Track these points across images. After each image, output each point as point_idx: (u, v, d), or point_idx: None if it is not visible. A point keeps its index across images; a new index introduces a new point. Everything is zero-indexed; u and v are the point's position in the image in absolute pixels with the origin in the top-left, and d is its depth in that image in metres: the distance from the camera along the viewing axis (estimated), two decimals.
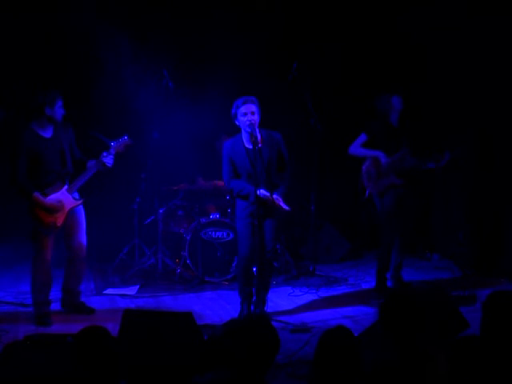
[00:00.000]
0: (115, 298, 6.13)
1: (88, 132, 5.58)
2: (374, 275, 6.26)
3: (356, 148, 6.08)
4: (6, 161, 5.32)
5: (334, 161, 7.76)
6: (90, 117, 7.03)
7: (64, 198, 5.28)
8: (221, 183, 6.81)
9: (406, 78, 7.44)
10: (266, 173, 5.11)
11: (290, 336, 4.96)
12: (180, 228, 7.04)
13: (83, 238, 5.49)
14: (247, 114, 5.09)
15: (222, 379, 2.74)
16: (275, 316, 5.38)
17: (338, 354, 2.69)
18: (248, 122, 5.09)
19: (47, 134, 5.26)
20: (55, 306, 5.55)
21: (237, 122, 5.19)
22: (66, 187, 5.29)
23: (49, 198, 5.22)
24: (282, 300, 6.02)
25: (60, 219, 5.27)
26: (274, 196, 5.11)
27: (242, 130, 5.21)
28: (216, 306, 5.88)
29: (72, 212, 5.36)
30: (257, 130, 5.12)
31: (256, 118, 5.12)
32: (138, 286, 6.47)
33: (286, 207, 5.17)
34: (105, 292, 6.31)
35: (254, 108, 5.11)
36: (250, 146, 5.15)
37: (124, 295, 6.21)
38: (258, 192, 5.09)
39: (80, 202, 5.39)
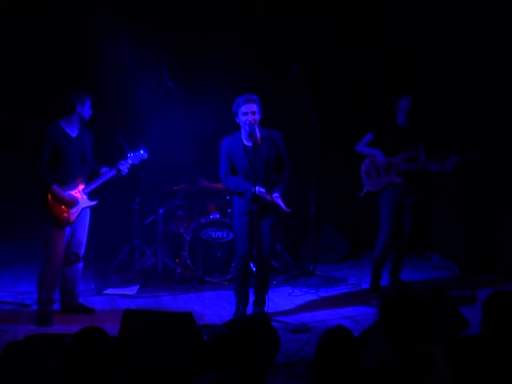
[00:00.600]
0: (115, 298, 6.13)
1: (115, 134, 5.69)
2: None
3: (361, 146, 6.23)
4: (28, 151, 5.40)
5: (333, 161, 7.76)
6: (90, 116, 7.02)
7: (80, 196, 5.38)
8: (221, 186, 6.79)
9: (409, 78, 7.44)
10: (264, 171, 5.12)
11: (290, 336, 4.96)
12: (180, 228, 7.04)
13: (83, 238, 5.52)
14: (248, 113, 5.10)
15: (222, 379, 2.74)
16: (275, 316, 5.38)
17: (337, 353, 2.69)
18: (248, 122, 5.10)
19: (73, 133, 5.35)
20: (55, 306, 5.55)
21: (237, 120, 5.21)
22: (82, 186, 5.40)
23: (66, 192, 5.31)
24: (281, 300, 6.02)
25: (73, 215, 5.34)
26: (274, 195, 5.11)
27: (242, 128, 5.22)
28: (216, 306, 5.88)
29: (84, 212, 5.45)
30: (256, 130, 5.12)
31: (257, 117, 5.14)
32: (137, 286, 6.47)
33: (284, 207, 5.17)
34: (105, 292, 6.31)
35: (255, 107, 5.12)
36: (249, 144, 5.17)
37: (124, 295, 6.20)
38: (255, 190, 5.10)
39: (94, 202, 5.48)
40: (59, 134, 5.25)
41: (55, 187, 5.22)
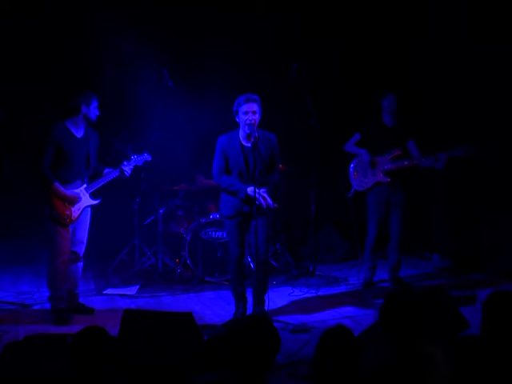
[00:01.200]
0: (115, 298, 6.13)
1: (111, 141, 5.72)
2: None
3: (349, 146, 6.40)
4: (30, 151, 5.50)
5: (333, 160, 7.75)
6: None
7: (82, 195, 5.39)
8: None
9: (406, 77, 7.44)
10: (259, 171, 5.12)
11: (290, 336, 4.96)
12: (180, 228, 7.04)
13: (84, 236, 5.52)
14: (248, 112, 5.11)
15: (222, 379, 2.74)
16: (275, 316, 5.38)
17: (337, 353, 2.69)
18: (248, 121, 5.11)
19: (79, 133, 5.35)
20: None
21: (237, 119, 5.21)
22: (85, 186, 5.42)
23: (68, 190, 5.32)
24: (282, 300, 6.02)
25: (75, 213, 5.35)
26: (261, 190, 5.10)
27: (241, 127, 5.22)
28: (216, 306, 5.88)
29: (86, 211, 5.46)
30: (253, 132, 5.13)
31: (257, 117, 5.15)
32: (137, 286, 6.47)
33: (271, 202, 5.15)
34: (105, 292, 6.31)
35: (255, 107, 5.12)
36: (247, 144, 5.19)
37: (124, 295, 6.21)
38: (247, 190, 5.11)
39: (97, 201, 5.48)
40: (64, 134, 5.26)
41: (57, 184, 5.24)
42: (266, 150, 5.21)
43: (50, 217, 5.27)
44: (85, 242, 5.54)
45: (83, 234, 5.51)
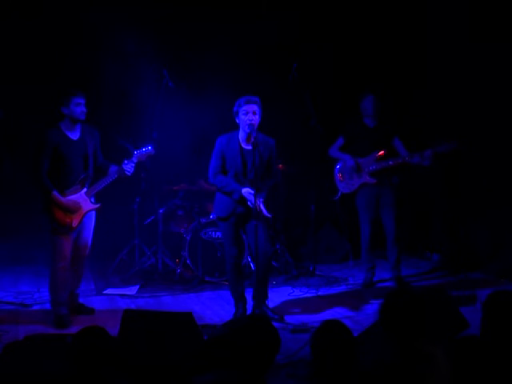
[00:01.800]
0: (115, 298, 6.13)
1: (113, 137, 5.65)
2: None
3: (333, 150, 6.44)
4: (27, 157, 5.35)
5: (333, 160, 7.75)
6: (90, 116, 7.02)
7: (82, 200, 5.30)
8: None
9: (405, 79, 7.45)
10: (255, 174, 5.12)
11: (290, 336, 4.97)
12: (180, 228, 7.04)
13: (89, 240, 5.49)
14: (249, 113, 5.12)
15: (222, 379, 2.74)
16: (275, 316, 5.37)
17: (334, 347, 2.68)
18: (249, 122, 5.12)
19: (74, 135, 5.26)
20: None
21: (237, 120, 5.21)
22: (84, 190, 5.30)
23: (67, 198, 5.23)
24: (282, 300, 6.02)
25: (76, 220, 5.27)
26: (259, 200, 5.11)
27: (240, 129, 5.23)
28: (216, 306, 5.88)
29: (89, 215, 5.39)
30: (253, 132, 5.13)
31: (257, 118, 5.15)
32: (137, 286, 6.47)
33: (266, 213, 5.17)
34: (105, 292, 6.31)
35: (255, 108, 5.13)
36: (246, 146, 5.21)
37: (124, 295, 6.20)
38: (242, 191, 5.11)
39: (97, 205, 5.41)
40: (59, 138, 5.17)
41: (55, 194, 5.15)
42: (264, 154, 5.21)
43: (51, 225, 5.21)
44: (89, 244, 5.50)
45: (88, 236, 5.46)
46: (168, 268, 6.87)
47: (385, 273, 6.58)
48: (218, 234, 6.68)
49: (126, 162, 5.39)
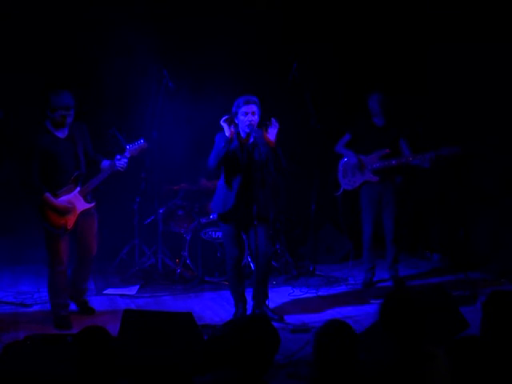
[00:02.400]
0: (115, 298, 6.13)
1: (107, 130, 5.57)
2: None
3: (339, 147, 6.47)
4: (17, 160, 5.27)
5: (333, 160, 7.75)
6: (90, 116, 7.02)
7: (75, 200, 5.22)
8: None
9: (405, 77, 7.45)
10: (254, 173, 5.12)
11: (290, 336, 4.97)
12: (180, 228, 7.04)
13: (94, 241, 5.46)
14: (248, 113, 5.12)
15: (222, 379, 2.74)
16: (275, 316, 5.37)
17: (336, 346, 2.68)
18: (248, 122, 5.11)
19: (62, 134, 5.16)
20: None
21: (236, 120, 5.21)
22: (78, 189, 5.22)
23: (60, 199, 5.15)
24: (282, 300, 6.02)
25: (71, 222, 5.20)
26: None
27: (240, 129, 5.23)
28: (216, 306, 5.88)
29: (84, 214, 5.30)
30: (253, 132, 5.13)
31: (256, 118, 5.14)
32: (137, 286, 6.47)
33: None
34: (105, 292, 6.31)
35: (255, 108, 5.13)
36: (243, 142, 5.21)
37: (124, 295, 6.21)
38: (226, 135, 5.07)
39: (92, 204, 5.33)
40: (46, 138, 5.07)
41: (47, 196, 5.06)
42: (265, 149, 5.19)
43: (45, 228, 5.16)
44: (95, 244, 5.45)
45: (91, 237, 5.41)
46: (168, 268, 6.87)
47: (385, 273, 6.57)
48: (218, 234, 6.68)
49: (118, 157, 5.26)
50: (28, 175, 5.05)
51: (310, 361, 4.29)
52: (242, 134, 5.23)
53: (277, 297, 6.04)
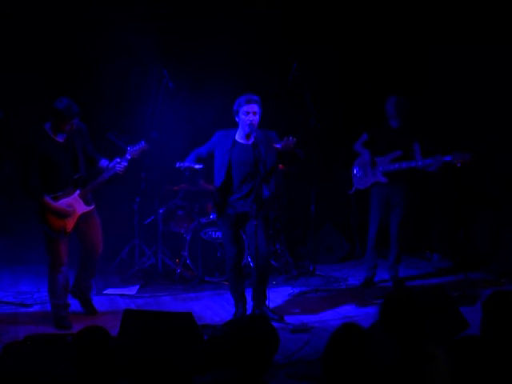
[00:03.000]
0: (115, 298, 6.13)
1: (105, 133, 5.53)
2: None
3: (357, 145, 6.48)
4: (15, 162, 5.26)
5: (333, 160, 7.76)
6: (90, 116, 7.02)
7: (75, 202, 5.20)
8: None
9: (405, 77, 7.45)
10: (262, 171, 5.12)
11: (290, 336, 4.96)
12: (180, 228, 7.04)
13: (99, 238, 5.43)
14: (249, 113, 5.11)
15: (221, 379, 2.74)
16: (275, 316, 5.37)
17: (347, 352, 2.66)
18: (249, 122, 5.11)
19: (60, 137, 5.12)
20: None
21: (236, 119, 5.21)
22: (78, 192, 5.20)
23: (59, 202, 5.12)
24: (281, 300, 6.02)
25: (70, 225, 5.18)
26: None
27: (240, 127, 5.23)
28: (216, 306, 5.88)
29: (85, 216, 5.28)
30: (253, 132, 5.13)
31: (257, 118, 5.14)
32: (137, 286, 6.47)
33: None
34: (105, 292, 6.31)
35: (256, 108, 5.12)
36: (245, 142, 5.21)
37: (124, 295, 6.21)
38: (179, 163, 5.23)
39: (91, 207, 5.31)
40: (45, 142, 5.04)
41: (47, 199, 5.04)
42: (267, 149, 5.19)
43: (44, 231, 5.14)
44: (100, 243, 5.43)
45: (95, 237, 5.39)
46: (168, 268, 6.87)
47: (385, 273, 6.57)
48: (218, 234, 6.68)
49: (118, 159, 5.22)
50: (27, 179, 5.02)
51: (309, 361, 4.32)
52: (242, 133, 5.23)
53: (277, 297, 6.03)
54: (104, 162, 5.33)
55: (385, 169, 6.19)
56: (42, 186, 5.07)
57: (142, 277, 6.75)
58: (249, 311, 5.38)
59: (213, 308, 5.83)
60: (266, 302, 5.37)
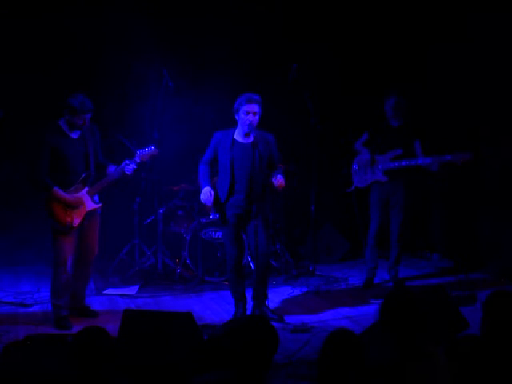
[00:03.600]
0: (115, 298, 6.13)
1: (115, 135, 5.52)
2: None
3: (358, 144, 6.50)
4: (26, 155, 5.27)
5: (333, 160, 7.76)
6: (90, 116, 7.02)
7: (84, 198, 5.22)
8: None
9: (406, 78, 7.45)
10: (259, 171, 5.14)
11: (290, 336, 4.97)
12: (180, 228, 7.04)
13: (95, 243, 5.44)
14: (249, 113, 5.11)
15: (221, 379, 2.74)
16: (275, 316, 5.38)
17: (342, 356, 2.66)
18: (248, 122, 5.11)
19: (74, 134, 5.15)
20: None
21: (236, 117, 5.21)
22: (86, 189, 5.22)
23: (70, 194, 5.16)
24: (281, 300, 6.02)
25: (77, 219, 5.19)
26: (278, 177, 5.12)
27: (239, 126, 5.23)
28: (216, 306, 5.88)
29: (90, 214, 5.29)
30: (253, 132, 5.13)
31: (257, 118, 5.15)
32: (137, 286, 6.47)
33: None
34: (105, 292, 6.31)
35: (257, 108, 5.12)
36: (242, 141, 5.22)
37: (124, 295, 6.20)
38: (202, 192, 5.19)
39: (99, 205, 5.33)
40: (58, 136, 5.07)
41: (56, 189, 5.06)
42: (263, 151, 5.20)
43: (52, 226, 5.14)
44: (96, 246, 5.45)
45: (93, 239, 5.40)
46: (168, 268, 6.87)
47: (386, 273, 6.57)
48: (218, 234, 6.68)
49: (127, 161, 5.26)
50: (36, 170, 5.04)
51: (309, 361, 4.32)
52: (241, 132, 5.23)
53: (277, 297, 6.04)
54: (112, 168, 5.36)
55: (385, 167, 6.20)
56: (53, 180, 5.09)
57: (142, 277, 6.74)
58: (249, 311, 5.39)
59: (213, 308, 5.83)
60: (266, 302, 5.38)
